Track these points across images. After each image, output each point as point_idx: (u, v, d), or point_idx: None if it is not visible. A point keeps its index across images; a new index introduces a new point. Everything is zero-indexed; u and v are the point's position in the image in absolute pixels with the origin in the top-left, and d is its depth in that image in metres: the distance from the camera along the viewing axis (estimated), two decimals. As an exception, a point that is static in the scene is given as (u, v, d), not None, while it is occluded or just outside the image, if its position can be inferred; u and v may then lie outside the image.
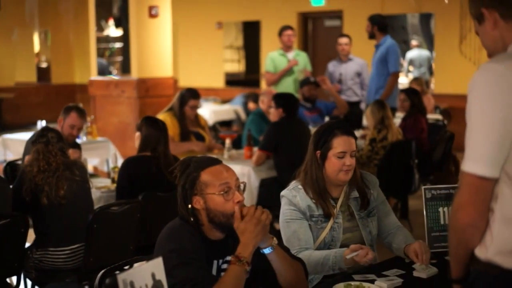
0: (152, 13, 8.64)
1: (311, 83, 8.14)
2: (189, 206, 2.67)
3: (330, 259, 3.19)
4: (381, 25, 8.54)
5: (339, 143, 3.34)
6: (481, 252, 1.99)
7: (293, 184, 3.43)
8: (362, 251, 3.09)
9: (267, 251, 2.70)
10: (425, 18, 14.11)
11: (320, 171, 3.37)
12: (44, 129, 4.58)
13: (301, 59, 9.02)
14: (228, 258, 2.68)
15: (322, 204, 3.33)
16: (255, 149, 6.44)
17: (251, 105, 11.43)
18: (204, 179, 2.67)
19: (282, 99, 6.49)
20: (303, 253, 3.21)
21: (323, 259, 3.20)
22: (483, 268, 1.99)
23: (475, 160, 1.91)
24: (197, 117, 6.78)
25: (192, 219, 2.68)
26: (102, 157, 7.57)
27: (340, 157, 3.33)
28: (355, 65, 9.09)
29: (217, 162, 2.75)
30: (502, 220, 1.94)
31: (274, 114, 6.45)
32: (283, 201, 3.40)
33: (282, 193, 3.42)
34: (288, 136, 6.23)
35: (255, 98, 11.26)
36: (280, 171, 6.23)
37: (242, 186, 2.72)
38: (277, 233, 5.59)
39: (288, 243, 3.27)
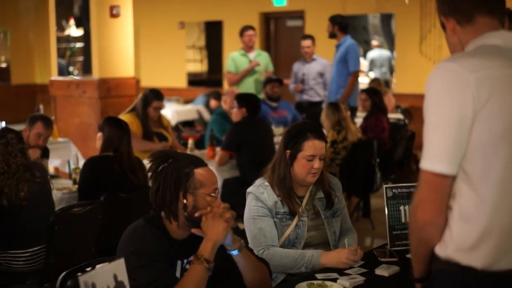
0: (113, 13, 8.57)
1: (274, 80, 8.16)
2: (184, 201, 2.66)
3: (306, 256, 3.22)
4: (341, 25, 8.60)
5: (310, 147, 3.37)
6: (440, 250, 2.01)
7: (259, 181, 3.45)
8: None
9: (234, 253, 2.72)
10: (386, 19, 14.23)
11: (288, 170, 3.40)
12: (3, 130, 4.51)
13: (262, 59, 9.03)
14: (191, 258, 2.68)
15: (288, 202, 3.36)
16: (218, 149, 6.43)
17: (213, 103, 11.43)
18: (198, 177, 2.67)
19: (244, 99, 6.49)
20: (272, 249, 3.23)
21: (298, 256, 3.23)
22: (443, 266, 2.01)
23: (433, 157, 1.93)
24: (160, 118, 6.74)
25: (173, 213, 2.66)
26: (63, 158, 7.49)
27: (309, 160, 3.36)
28: (318, 65, 9.13)
29: (205, 163, 2.77)
30: (461, 217, 1.96)
31: (236, 114, 6.45)
32: (250, 198, 3.41)
33: (249, 190, 3.44)
34: (251, 135, 6.23)
35: (216, 95, 11.26)
36: (243, 170, 6.23)
37: (217, 191, 2.75)
38: (241, 233, 5.56)
39: (254, 240, 3.30)
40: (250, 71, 8.84)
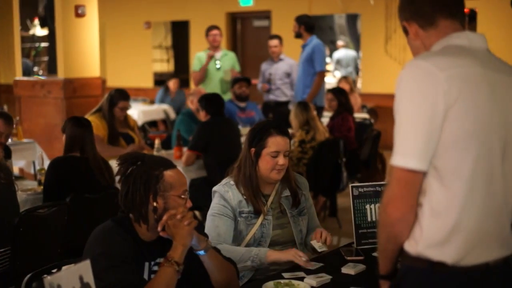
0: (79, 12, 8.50)
1: (242, 80, 8.16)
2: (154, 203, 2.65)
3: (253, 250, 3.25)
4: (307, 25, 8.64)
5: (274, 143, 3.39)
6: (410, 247, 2.03)
7: (225, 180, 3.48)
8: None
9: (201, 253, 2.73)
10: (352, 19, 14.33)
11: (254, 168, 3.41)
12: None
13: (228, 59, 9.04)
14: (159, 260, 2.69)
15: (253, 201, 3.37)
16: (185, 149, 6.42)
17: (172, 84, 11.67)
18: (168, 179, 2.67)
19: (204, 101, 6.48)
20: (221, 245, 3.25)
21: (245, 251, 3.26)
22: (413, 263, 2.03)
23: (404, 154, 1.95)
24: (126, 118, 6.70)
25: (142, 216, 2.65)
26: (28, 159, 7.41)
27: (273, 156, 3.38)
28: (285, 65, 9.15)
29: (174, 165, 2.78)
30: (431, 214, 1.98)
31: (202, 115, 6.47)
32: (215, 196, 3.44)
33: (215, 188, 3.46)
34: (218, 135, 6.23)
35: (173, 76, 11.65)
36: (210, 170, 6.23)
37: (186, 193, 2.75)
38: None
39: (208, 233, 3.32)
40: (216, 72, 8.86)
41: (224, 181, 3.47)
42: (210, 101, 6.47)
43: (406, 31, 2.22)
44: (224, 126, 6.40)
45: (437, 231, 1.98)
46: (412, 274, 2.06)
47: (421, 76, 1.95)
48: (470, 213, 1.97)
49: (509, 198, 2.06)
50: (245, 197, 3.38)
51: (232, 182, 3.43)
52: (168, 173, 2.68)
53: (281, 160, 3.38)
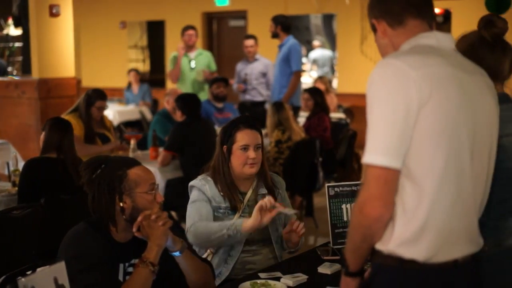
0: (53, 12, 8.43)
1: (219, 80, 8.15)
2: (120, 204, 2.64)
3: (229, 222, 3.27)
4: (284, 25, 8.66)
5: (242, 137, 3.41)
6: (382, 245, 2.04)
7: (202, 176, 3.49)
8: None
9: (176, 254, 2.73)
10: (328, 19, 14.38)
11: (227, 165, 3.42)
12: None
13: (203, 59, 9.05)
14: (134, 261, 2.68)
15: (229, 197, 3.38)
16: (161, 149, 6.40)
17: (131, 77, 11.82)
18: (132, 177, 2.66)
19: (180, 101, 6.47)
20: (199, 222, 3.28)
21: (221, 222, 3.29)
22: (384, 261, 2.04)
23: (382, 152, 1.94)
24: (102, 118, 6.66)
25: (111, 218, 2.64)
26: (2, 159, 7.33)
27: (243, 149, 3.38)
28: (261, 65, 9.16)
29: (139, 162, 2.78)
30: (403, 212, 1.99)
31: (178, 115, 6.46)
32: (192, 190, 3.46)
33: (191, 183, 3.49)
34: (193, 136, 6.22)
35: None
36: (186, 171, 6.21)
37: (157, 187, 2.75)
38: (185, 234, 5.51)
39: (188, 219, 3.37)
40: (189, 73, 8.88)
41: (200, 177, 3.49)
42: (187, 101, 6.46)
43: (374, 29, 2.25)
44: (200, 126, 6.39)
45: (408, 229, 1.99)
46: (383, 272, 2.07)
47: (394, 74, 1.97)
48: (441, 210, 1.99)
49: (477, 195, 2.09)
50: (221, 193, 3.39)
51: (209, 178, 3.46)
52: (131, 172, 2.68)
53: (251, 153, 3.40)
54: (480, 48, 2.40)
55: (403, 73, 1.96)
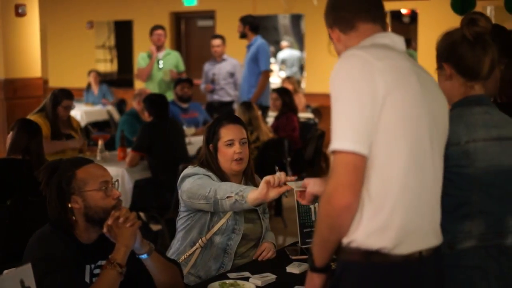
0: (19, 11, 8.34)
1: (184, 81, 8.14)
2: (69, 205, 2.62)
3: (239, 186, 3.19)
4: (252, 25, 8.68)
5: (226, 132, 3.40)
6: (349, 238, 2.04)
7: (193, 166, 3.44)
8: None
9: (143, 257, 2.71)
10: (296, 19, 14.41)
11: (216, 164, 3.40)
12: None
13: (171, 58, 9.04)
14: (100, 262, 2.66)
15: None
16: (129, 150, 6.37)
17: (92, 78, 11.73)
18: (81, 177, 2.65)
19: (147, 102, 6.46)
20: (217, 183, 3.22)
21: (232, 184, 3.21)
22: (351, 257, 2.05)
23: (349, 138, 1.95)
24: (69, 119, 6.61)
25: (68, 220, 2.63)
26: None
27: (229, 144, 3.37)
28: (228, 65, 9.17)
29: (90, 161, 2.75)
30: (370, 202, 2.01)
31: (145, 115, 6.44)
32: (192, 175, 3.34)
33: (188, 171, 3.38)
34: (161, 136, 6.20)
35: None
36: (155, 171, 6.19)
37: (116, 184, 2.73)
38: (154, 234, 5.54)
39: (201, 189, 3.24)
40: (156, 73, 8.86)
41: (190, 167, 3.44)
42: (154, 102, 6.44)
43: (331, 38, 2.33)
44: (168, 126, 6.38)
45: (375, 219, 2.01)
46: (350, 269, 2.08)
47: (359, 64, 2.02)
48: (405, 200, 2.02)
49: (437, 187, 2.14)
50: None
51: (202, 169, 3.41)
52: (80, 171, 2.66)
53: (237, 148, 3.38)
54: (460, 46, 2.42)
55: (368, 62, 2.01)
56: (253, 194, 3.05)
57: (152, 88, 8.66)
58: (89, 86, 11.99)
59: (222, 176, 3.41)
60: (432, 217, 2.12)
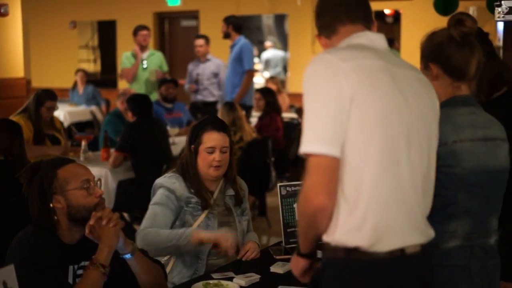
0: (1, 11, 8.30)
1: (169, 81, 8.13)
2: (51, 205, 2.61)
3: (179, 230, 3.25)
4: (235, 25, 8.69)
5: (209, 138, 3.39)
6: (328, 236, 2.07)
7: (169, 173, 3.44)
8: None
9: (127, 256, 2.71)
10: (280, 19, 14.42)
11: (194, 165, 3.39)
12: None
13: (156, 59, 9.02)
14: (84, 263, 2.65)
15: (199, 194, 3.36)
16: (113, 150, 6.35)
17: (78, 78, 11.64)
18: (62, 176, 2.64)
19: (131, 102, 6.44)
20: (151, 228, 3.24)
21: (171, 231, 3.26)
22: (332, 254, 2.07)
23: (318, 140, 1.98)
24: (52, 119, 6.58)
25: (50, 221, 2.62)
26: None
27: (209, 152, 3.37)
28: (212, 65, 9.16)
29: (71, 161, 2.75)
30: (345, 202, 2.02)
31: (129, 115, 6.43)
32: (160, 188, 3.38)
33: (158, 180, 3.42)
34: (145, 136, 6.18)
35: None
36: (138, 171, 6.17)
37: (98, 183, 2.74)
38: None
39: (144, 221, 3.32)
40: (141, 72, 8.83)
41: (168, 174, 3.45)
42: (137, 102, 6.43)
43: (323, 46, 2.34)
44: (152, 126, 6.36)
45: (351, 218, 2.02)
46: (331, 266, 2.10)
47: (326, 67, 2.04)
48: (380, 198, 2.02)
49: (417, 184, 2.12)
50: (192, 190, 3.37)
51: (178, 175, 3.41)
52: (61, 170, 2.66)
53: (217, 156, 3.38)
54: (448, 47, 2.43)
55: (334, 65, 2.03)
56: (199, 235, 3.25)
57: (138, 88, 8.63)
58: (75, 86, 11.93)
59: (198, 182, 3.40)
60: (412, 215, 2.11)
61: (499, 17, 3.50)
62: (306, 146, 2.00)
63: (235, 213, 3.48)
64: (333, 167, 1.99)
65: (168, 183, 3.37)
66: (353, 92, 1.99)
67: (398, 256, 2.06)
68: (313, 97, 2.03)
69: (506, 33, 4.08)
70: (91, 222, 2.58)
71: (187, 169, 3.42)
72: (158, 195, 3.36)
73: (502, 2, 3.41)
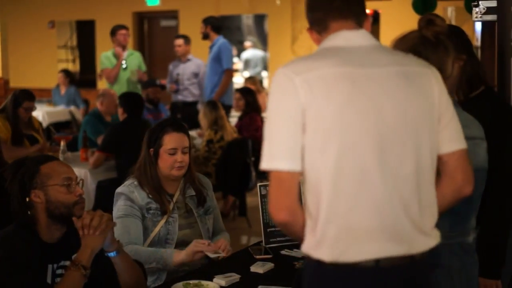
0: (-21, 11, 8.27)
1: (156, 85, 8.16)
2: (27, 199, 2.60)
3: (159, 252, 3.23)
4: (214, 25, 8.71)
5: (170, 140, 3.38)
6: (301, 248, 2.07)
7: (129, 181, 3.43)
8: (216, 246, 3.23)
9: (112, 254, 2.71)
10: (259, 19, 14.44)
11: (154, 168, 3.39)
12: None
13: (134, 59, 8.99)
14: (63, 263, 2.65)
15: (158, 200, 3.34)
16: (92, 151, 6.31)
17: (60, 78, 11.53)
18: (45, 171, 2.64)
19: (123, 99, 6.41)
20: (131, 246, 3.21)
21: (151, 252, 3.24)
22: (309, 259, 2.05)
23: (275, 157, 1.98)
24: (30, 119, 6.54)
25: (30, 217, 2.61)
26: None
27: (171, 153, 3.36)
28: (193, 65, 9.15)
29: (55, 158, 2.75)
30: (309, 218, 2.02)
31: (119, 112, 6.35)
32: (120, 198, 3.38)
33: (119, 190, 3.41)
34: (131, 137, 6.15)
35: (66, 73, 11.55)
36: (122, 172, 6.13)
37: (81, 183, 2.72)
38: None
39: (118, 237, 3.26)
40: (123, 72, 8.80)
41: (127, 182, 3.43)
42: (131, 100, 6.40)
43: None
44: (138, 127, 6.33)
45: (314, 233, 2.00)
46: (308, 267, 2.08)
47: (280, 82, 2.03)
48: (340, 209, 1.97)
49: (403, 192, 2.01)
50: (150, 196, 3.36)
51: (136, 183, 3.40)
52: (44, 166, 2.66)
53: (179, 157, 3.38)
54: (423, 49, 2.41)
55: (288, 79, 2.01)
56: (179, 258, 3.21)
57: (119, 88, 8.57)
58: (58, 85, 11.86)
59: (157, 185, 3.39)
60: (390, 225, 2.00)
61: (476, 17, 3.53)
62: (264, 162, 2.00)
63: (196, 213, 3.46)
64: (293, 181, 1.98)
65: (127, 192, 3.36)
66: (305, 105, 1.96)
67: (371, 267, 1.97)
68: (270, 111, 2.02)
69: (484, 33, 4.11)
70: (78, 224, 2.58)
71: (145, 173, 3.40)
72: (122, 207, 3.34)
73: (480, 2, 3.44)
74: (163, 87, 8.27)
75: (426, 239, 2.06)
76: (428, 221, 2.07)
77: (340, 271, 1.99)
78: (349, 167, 1.96)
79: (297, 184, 1.98)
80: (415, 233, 2.03)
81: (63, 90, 11.66)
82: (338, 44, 2.11)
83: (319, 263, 2.00)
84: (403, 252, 2.00)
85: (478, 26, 3.53)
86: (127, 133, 6.13)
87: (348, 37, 2.13)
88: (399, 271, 2.01)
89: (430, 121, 2.09)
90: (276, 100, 2.01)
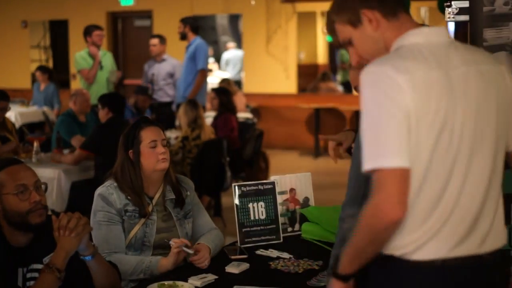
0: (-50, 10, 8.19)
1: (147, 94, 8.22)
2: None
3: (144, 262, 3.19)
4: (192, 25, 8.73)
5: (147, 134, 3.38)
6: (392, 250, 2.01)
7: (108, 182, 3.40)
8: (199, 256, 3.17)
9: (87, 258, 2.69)
10: (234, 19, 14.45)
11: (136, 170, 3.36)
12: None
13: (108, 59, 8.96)
14: (34, 266, 2.62)
15: (137, 202, 3.32)
16: (65, 151, 6.27)
17: (39, 75, 11.36)
18: (0, 179, 2.58)
19: (106, 98, 6.39)
20: (114, 255, 3.18)
21: (137, 262, 3.20)
22: (381, 261, 2.01)
23: (390, 153, 1.89)
24: (4, 120, 6.48)
25: None
26: None
27: (152, 146, 3.35)
28: (168, 65, 9.14)
29: (16, 162, 2.69)
30: (414, 214, 1.98)
31: (102, 113, 6.31)
32: (98, 199, 3.34)
33: (98, 191, 3.37)
34: (114, 137, 6.11)
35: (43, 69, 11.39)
36: (101, 172, 6.09)
37: (43, 186, 2.68)
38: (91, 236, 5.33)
39: (98, 246, 3.23)
40: (101, 71, 8.78)
41: (107, 183, 3.40)
42: (113, 99, 6.40)
43: (355, 23, 2.12)
44: (123, 126, 6.30)
45: (417, 230, 1.97)
46: (381, 273, 2.05)
47: (382, 80, 1.92)
48: (446, 208, 1.97)
49: (480, 194, 2.02)
50: (129, 197, 3.34)
51: (115, 184, 3.37)
52: (1, 173, 2.61)
53: (160, 148, 3.37)
54: None
55: (390, 78, 1.91)
56: (164, 267, 3.15)
57: (97, 88, 8.51)
58: (36, 81, 11.74)
59: (138, 187, 3.36)
60: (473, 224, 2.01)
61: (449, 17, 3.55)
62: (376, 161, 1.89)
63: (175, 217, 3.45)
64: (407, 178, 1.90)
65: (106, 194, 3.33)
66: (410, 106, 1.89)
67: (475, 260, 2.00)
68: (373, 111, 1.92)
69: (457, 34, 4.15)
70: (55, 225, 2.56)
71: (123, 177, 3.36)
72: (100, 213, 3.30)
73: (452, 2, 3.46)
74: (151, 97, 8.35)
75: (496, 239, 2.07)
76: (498, 221, 2.08)
77: (408, 267, 1.98)
78: (449, 169, 1.96)
79: (409, 181, 1.91)
80: (486, 232, 2.05)
81: (42, 87, 11.56)
82: (419, 41, 2.03)
83: (419, 265, 1.97)
84: (476, 251, 2.02)
85: (451, 26, 3.54)
86: (110, 134, 6.10)
87: (427, 33, 2.06)
88: (468, 273, 2.01)
89: (506, 119, 2.09)
90: (379, 98, 1.91)
